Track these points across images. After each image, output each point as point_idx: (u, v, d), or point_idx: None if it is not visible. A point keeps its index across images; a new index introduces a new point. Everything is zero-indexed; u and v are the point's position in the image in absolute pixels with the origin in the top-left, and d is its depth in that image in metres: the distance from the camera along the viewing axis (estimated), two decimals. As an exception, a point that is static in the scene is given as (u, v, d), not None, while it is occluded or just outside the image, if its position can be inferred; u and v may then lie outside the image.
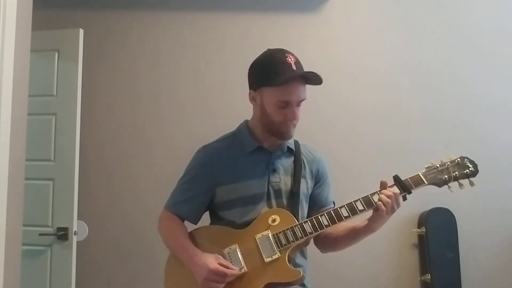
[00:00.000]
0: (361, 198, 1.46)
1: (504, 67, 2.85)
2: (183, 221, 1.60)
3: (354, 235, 1.53)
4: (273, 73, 1.45)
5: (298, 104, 1.50)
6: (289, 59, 1.46)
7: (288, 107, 1.47)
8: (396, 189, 1.45)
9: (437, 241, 2.65)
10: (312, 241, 1.59)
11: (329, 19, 2.89)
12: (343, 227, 1.55)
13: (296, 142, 1.64)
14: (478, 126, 2.80)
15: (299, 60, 1.50)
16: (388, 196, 1.42)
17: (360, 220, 1.50)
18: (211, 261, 1.41)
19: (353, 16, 2.90)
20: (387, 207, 1.40)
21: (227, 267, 1.41)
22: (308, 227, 1.45)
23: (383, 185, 1.47)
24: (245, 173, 1.54)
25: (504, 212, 2.74)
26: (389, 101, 2.82)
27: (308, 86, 1.51)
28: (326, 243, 1.61)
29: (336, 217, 1.46)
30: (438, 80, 2.84)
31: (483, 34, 2.87)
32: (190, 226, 1.59)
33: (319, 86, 1.48)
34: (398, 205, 1.43)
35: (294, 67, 1.45)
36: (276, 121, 1.50)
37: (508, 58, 2.86)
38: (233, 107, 2.62)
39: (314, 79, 1.47)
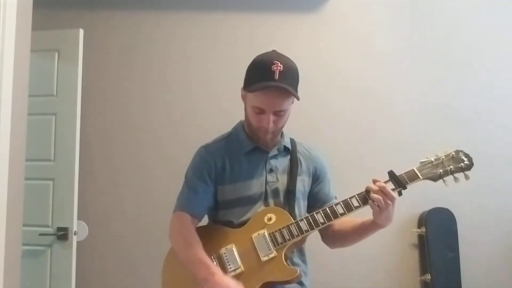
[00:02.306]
0: (356, 194, 1.45)
1: (502, 65, 2.85)
2: (196, 223, 1.56)
3: (363, 231, 1.52)
4: (254, 78, 1.44)
5: (276, 113, 1.46)
6: (275, 67, 1.39)
7: (264, 113, 1.46)
8: (383, 183, 1.42)
9: (437, 241, 2.64)
10: (309, 238, 1.58)
11: (329, 19, 2.89)
12: (351, 224, 1.55)
13: (292, 141, 1.64)
14: (478, 124, 2.79)
15: (291, 65, 1.44)
16: (376, 192, 1.40)
17: (369, 216, 1.47)
18: (234, 285, 1.38)
19: (352, 17, 2.90)
20: (380, 204, 1.39)
21: None
22: (304, 225, 1.45)
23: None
24: (243, 173, 1.54)
25: (504, 212, 2.73)
26: (389, 100, 2.82)
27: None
28: (335, 239, 1.61)
29: (331, 214, 1.46)
30: (437, 79, 2.83)
31: (482, 34, 2.86)
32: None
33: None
34: (391, 198, 1.39)
35: (276, 76, 1.39)
36: (253, 125, 1.51)
37: (506, 56, 2.85)
38: (236, 108, 2.62)
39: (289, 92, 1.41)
